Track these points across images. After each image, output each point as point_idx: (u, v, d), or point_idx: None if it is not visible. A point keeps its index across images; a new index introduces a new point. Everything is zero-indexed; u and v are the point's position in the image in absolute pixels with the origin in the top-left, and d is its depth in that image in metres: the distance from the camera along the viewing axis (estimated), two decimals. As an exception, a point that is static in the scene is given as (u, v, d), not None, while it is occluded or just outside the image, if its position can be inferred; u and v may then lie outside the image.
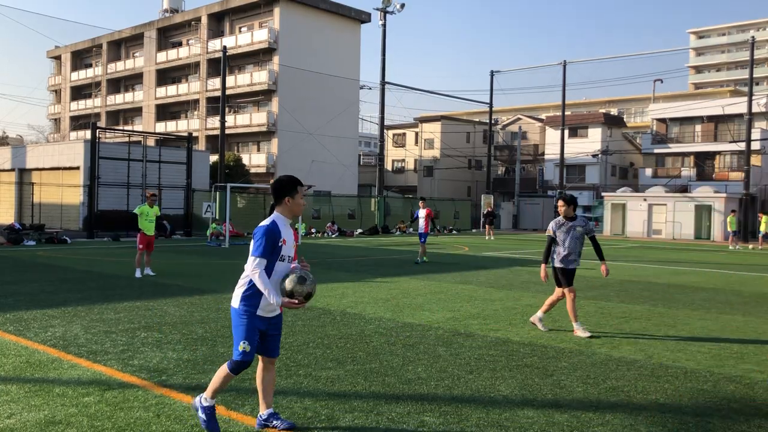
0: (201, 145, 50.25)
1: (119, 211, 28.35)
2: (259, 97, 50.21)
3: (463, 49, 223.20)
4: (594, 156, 54.75)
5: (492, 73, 49.01)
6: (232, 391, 5.43)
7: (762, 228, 31.17)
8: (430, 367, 6.38)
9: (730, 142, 47.09)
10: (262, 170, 48.00)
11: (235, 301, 4.37)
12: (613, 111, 70.47)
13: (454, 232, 43.22)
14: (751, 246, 31.99)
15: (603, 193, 47.19)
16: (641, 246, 31.64)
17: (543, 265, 8.44)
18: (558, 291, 8.50)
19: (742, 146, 41.71)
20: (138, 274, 13.56)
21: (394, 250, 24.32)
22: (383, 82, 40.81)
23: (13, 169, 37.74)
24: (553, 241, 8.43)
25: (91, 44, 64.17)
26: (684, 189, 47.02)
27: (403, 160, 63.94)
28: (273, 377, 4.62)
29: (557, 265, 8.42)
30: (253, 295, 4.30)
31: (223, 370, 4.37)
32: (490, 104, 49.70)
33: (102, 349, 6.81)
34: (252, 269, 4.21)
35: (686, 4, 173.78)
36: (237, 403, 5.10)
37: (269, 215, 4.47)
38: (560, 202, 8.52)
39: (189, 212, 30.63)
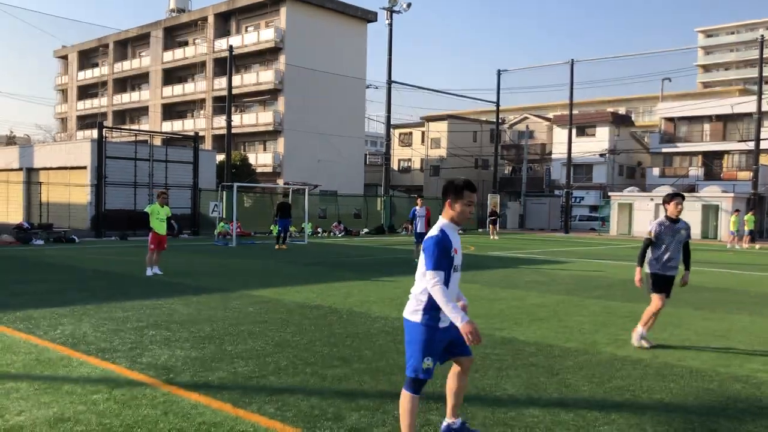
0: (207, 145, 50.39)
1: (126, 210, 28.47)
2: (265, 97, 50.30)
3: (470, 48, 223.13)
4: (601, 155, 54.57)
5: (499, 72, 48.92)
6: (238, 389, 5.47)
7: (746, 227, 31.54)
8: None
9: (739, 141, 46.88)
10: (269, 170, 48.08)
11: (414, 315, 4.07)
12: (621, 110, 70.24)
13: (460, 231, 43.09)
14: (758, 246, 31.83)
15: (610, 193, 46.99)
16: (648, 245, 31.50)
17: (638, 269, 7.60)
18: (656, 298, 7.63)
19: (750, 145, 41.53)
20: (149, 272, 13.65)
21: (399, 249, 24.35)
22: (389, 81, 40.79)
23: (21, 169, 37.94)
24: (651, 244, 7.56)
25: (98, 44, 64.42)
26: (692, 188, 46.83)
27: (410, 160, 63.91)
28: (466, 383, 4.43)
29: (653, 270, 7.57)
30: (435, 307, 4.02)
31: (405, 397, 4.09)
32: (497, 103, 49.63)
33: (111, 347, 6.86)
34: (432, 283, 3.93)
35: (694, 3, 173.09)
36: (244, 401, 5.13)
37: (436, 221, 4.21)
38: (674, 201, 7.45)
39: (196, 211, 30.73)
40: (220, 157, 40.41)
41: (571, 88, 45.34)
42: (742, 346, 7.77)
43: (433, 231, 4.12)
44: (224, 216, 28.78)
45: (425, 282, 4.02)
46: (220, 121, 45.90)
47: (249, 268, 16.08)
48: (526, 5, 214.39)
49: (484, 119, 66.61)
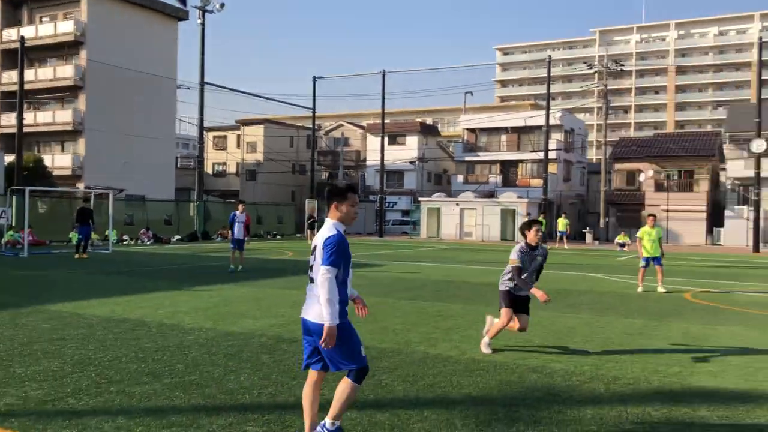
0: (-6, 144, 45.34)
1: None
2: (64, 94, 46.33)
3: (289, 53, 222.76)
4: (411, 163, 57.20)
5: (315, 79, 49.40)
6: (30, 414, 4.92)
7: (560, 228, 35.37)
8: (253, 376, 6.25)
9: (531, 151, 51.43)
10: (68, 172, 44.34)
11: (332, 318, 4.13)
12: (429, 120, 74.06)
13: (278, 237, 42.92)
14: (548, 246, 35.21)
15: (420, 198, 49.48)
16: (454, 248, 33.54)
17: (534, 290, 7.45)
18: (506, 312, 7.61)
19: (540, 155, 45.74)
20: None
21: (214, 257, 23.62)
22: (202, 82, 39.52)
23: None
24: (520, 270, 7.46)
25: None
26: (491, 194, 50.57)
27: (225, 164, 62.33)
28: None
29: (507, 288, 7.59)
30: (342, 303, 4.25)
31: (347, 384, 4.29)
32: (313, 109, 50.03)
33: None
34: (325, 277, 4.08)
35: (495, 22, 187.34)
36: (37, 428, 4.62)
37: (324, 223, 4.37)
38: (534, 228, 7.46)
39: (-20, 218, 27.50)
40: (10, 159, 36.57)
41: (383, 98, 46.98)
42: (538, 340, 8.48)
43: (331, 231, 4.24)
44: (14, 223, 26.11)
45: (318, 279, 4.17)
46: (10, 119, 41.56)
47: (44, 280, 14.67)
48: (341, 15, 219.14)
49: (301, 125, 66.84)
